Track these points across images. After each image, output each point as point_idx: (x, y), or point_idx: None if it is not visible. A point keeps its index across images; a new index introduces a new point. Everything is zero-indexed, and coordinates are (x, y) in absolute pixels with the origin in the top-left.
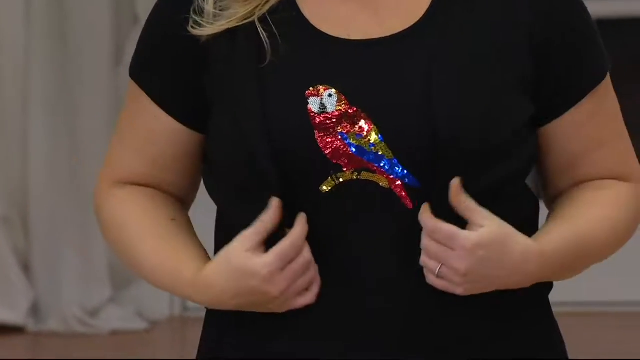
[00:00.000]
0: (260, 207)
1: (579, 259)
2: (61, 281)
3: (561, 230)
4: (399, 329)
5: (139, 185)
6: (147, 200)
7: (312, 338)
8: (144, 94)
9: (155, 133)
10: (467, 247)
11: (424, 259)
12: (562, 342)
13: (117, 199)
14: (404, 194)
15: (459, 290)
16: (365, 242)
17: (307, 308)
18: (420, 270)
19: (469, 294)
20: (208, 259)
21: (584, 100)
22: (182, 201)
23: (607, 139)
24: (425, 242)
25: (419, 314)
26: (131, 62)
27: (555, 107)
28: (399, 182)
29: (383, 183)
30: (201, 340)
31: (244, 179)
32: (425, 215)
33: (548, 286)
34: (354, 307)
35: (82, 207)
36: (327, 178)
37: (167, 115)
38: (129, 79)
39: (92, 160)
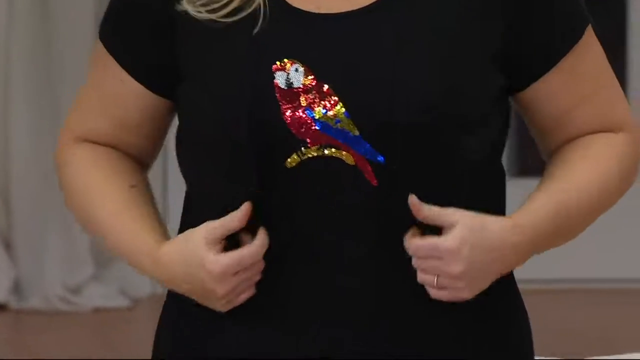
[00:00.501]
0: (229, 182)
1: (565, 220)
2: (43, 259)
3: (541, 196)
4: (368, 307)
5: (100, 144)
6: (107, 164)
7: (278, 316)
8: (112, 58)
9: (121, 97)
10: (451, 250)
11: (420, 277)
12: (526, 320)
13: (77, 158)
14: (369, 170)
15: (465, 294)
16: (331, 219)
17: (276, 286)
18: (388, 249)
19: (477, 293)
20: (166, 231)
21: (562, 60)
22: (142, 163)
23: (591, 92)
24: (415, 262)
25: (388, 293)
26: (101, 26)
27: (533, 70)
28: (364, 159)
29: (348, 160)
30: (160, 318)
31: (216, 145)
32: (407, 239)
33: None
34: (323, 285)
35: None
36: (292, 154)
37: (135, 81)
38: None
39: None
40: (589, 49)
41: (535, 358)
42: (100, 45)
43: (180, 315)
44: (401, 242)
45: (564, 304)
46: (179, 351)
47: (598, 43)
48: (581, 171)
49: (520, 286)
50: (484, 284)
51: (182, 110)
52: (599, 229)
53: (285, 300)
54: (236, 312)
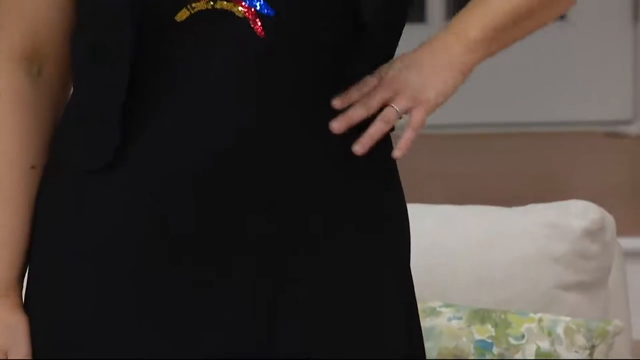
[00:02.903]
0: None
1: (500, 16)
2: None
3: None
4: (260, 161)
5: (22, 59)
6: (20, 117)
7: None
8: None
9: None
10: (388, 73)
11: (380, 117)
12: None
13: None
14: (257, 22)
15: (426, 106)
16: (222, 73)
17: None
18: (272, 109)
19: (437, 102)
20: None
21: None
22: (60, 98)
23: None
24: (367, 104)
25: (269, 151)
26: None
27: None
28: (254, 11)
29: (238, 12)
30: None
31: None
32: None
33: None
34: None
35: None
36: (182, 8)
37: None
38: None
39: None
40: None
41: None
42: None
43: None
44: (285, 100)
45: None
46: None
47: None
48: None
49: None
50: (444, 94)
51: None
52: (560, 71)
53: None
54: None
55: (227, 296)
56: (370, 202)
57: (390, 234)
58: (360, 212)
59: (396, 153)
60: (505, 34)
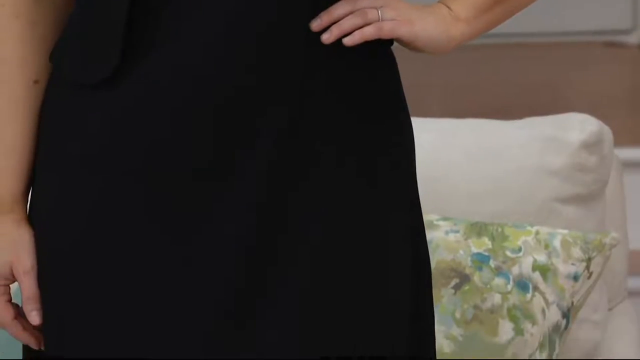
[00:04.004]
0: None
1: None
2: None
3: None
4: (267, 93)
5: None
6: (18, 46)
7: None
8: None
9: None
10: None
11: (358, 13)
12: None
13: None
14: None
15: (408, 27)
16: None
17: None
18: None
19: (417, 34)
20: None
21: None
22: (63, 16)
23: None
24: (358, 13)
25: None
26: None
27: None
28: None
29: None
30: None
31: None
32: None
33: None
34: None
35: None
36: None
37: None
38: None
39: None
40: None
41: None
42: None
43: None
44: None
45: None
46: None
47: None
48: None
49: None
50: (422, 29)
51: None
52: None
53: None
54: None
55: (229, 215)
56: (379, 149)
57: (396, 182)
58: (369, 157)
59: (324, 36)
60: (491, 14)
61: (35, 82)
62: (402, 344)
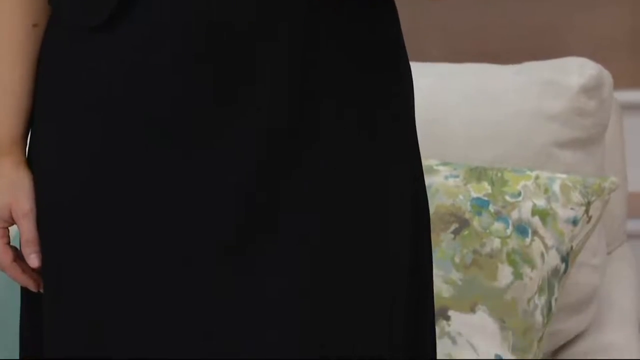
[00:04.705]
0: None
1: None
2: None
3: None
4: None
5: None
6: None
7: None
8: None
9: None
10: None
11: None
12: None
13: None
14: None
15: None
16: None
17: None
18: None
19: None
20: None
21: None
22: None
23: None
24: None
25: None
26: None
27: None
28: None
29: None
30: None
31: None
32: None
33: None
34: None
35: None
36: None
37: None
38: None
39: None
40: None
41: None
42: None
43: None
44: None
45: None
46: None
47: None
48: None
49: None
50: None
51: None
52: None
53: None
54: None
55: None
56: (379, 101)
57: (396, 133)
58: (369, 109)
59: None
60: None
61: (34, 25)
62: (402, 296)
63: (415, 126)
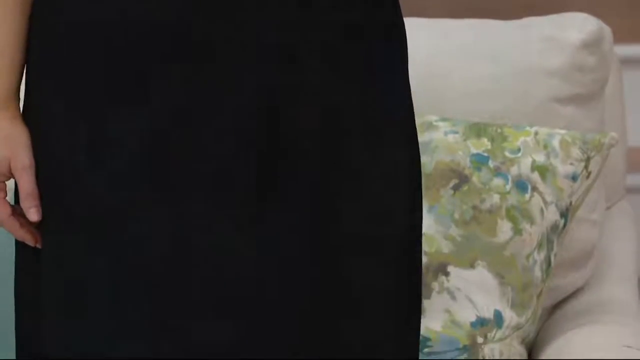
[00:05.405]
0: None
1: None
2: None
3: None
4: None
5: None
6: None
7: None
8: None
9: None
10: None
11: None
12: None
13: None
14: None
15: None
16: None
17: None
18: None
19: None
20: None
21: None
22: None
23: None
24: None
25: None
26: None
27: None
28: None
29: None
30: None
31: None
32: None
33: None
34: None
35: None
36: None
37: None
38: None
39: None
40: None
41: None
42: None
43: None
44: None
45: None
46: None
47: None
48: None
49: None
50: None
51: None
52: None
53: None
54: None
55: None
56: (369, 63)
57: (390, 86)
58: (359, 71)
59: None
60: None
61: None
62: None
63: (409, 85)
